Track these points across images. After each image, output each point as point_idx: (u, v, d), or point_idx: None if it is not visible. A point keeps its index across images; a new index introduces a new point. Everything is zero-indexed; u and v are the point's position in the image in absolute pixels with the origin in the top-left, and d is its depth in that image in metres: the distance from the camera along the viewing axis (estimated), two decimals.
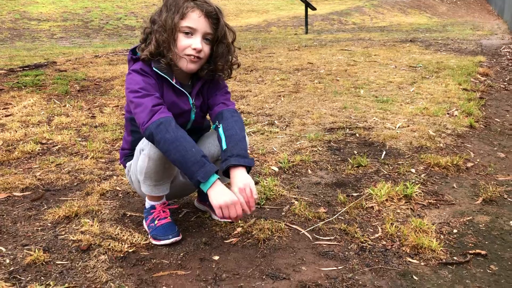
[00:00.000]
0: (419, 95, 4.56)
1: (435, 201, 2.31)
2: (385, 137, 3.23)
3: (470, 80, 5.34)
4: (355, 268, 1.73)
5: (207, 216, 2.15)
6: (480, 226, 2.06)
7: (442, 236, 1.96)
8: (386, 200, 2.28)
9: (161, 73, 1.81)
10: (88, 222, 2.05)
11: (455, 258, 1.80)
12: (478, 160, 2.90)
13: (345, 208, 2.22)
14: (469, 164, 2.81)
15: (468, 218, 2.13)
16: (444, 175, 2.65)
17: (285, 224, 2.06)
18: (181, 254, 1.83)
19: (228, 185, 1.74)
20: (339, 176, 2.63)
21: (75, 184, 2.53)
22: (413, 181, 2.52)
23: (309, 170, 2.72)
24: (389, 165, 2.77)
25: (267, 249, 1.87)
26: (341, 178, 2.60)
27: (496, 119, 3.92)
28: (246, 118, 3.80)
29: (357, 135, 3.33)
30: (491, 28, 12.11)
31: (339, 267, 1.74)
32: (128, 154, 2.05)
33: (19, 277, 1.67)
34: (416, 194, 2.33)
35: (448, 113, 3.89)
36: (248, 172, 1.75)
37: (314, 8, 12.77)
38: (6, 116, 3.92)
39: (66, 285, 1.62)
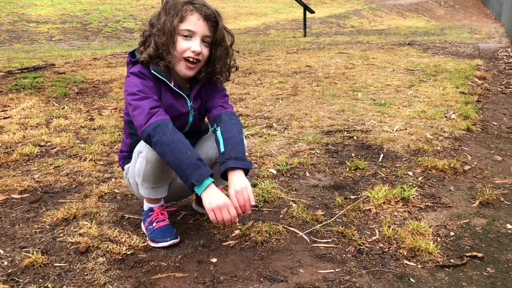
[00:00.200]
0: (417, 98, 4.58)
1: (432, 204, 2.32)
2: (382, 140, 3.25)
3: (468, 83, 5.36)
4: (352, 270, 1.74)
5: (205, 218, 2.15)
6: (477, 228, 2.07)
7: (439, 239, 1.97)
8: (384, 202, 2.29)
9: (159, 76, 1.82)
10: (87, 224, 2.05)
11: (452, 260, 1.81)
12: (475, 163, 2.92)
13: (343, 211, 2.22)
14: (466, 167, 2.82)
15: (465, 221, 2.14)
16: (441, 178, 2.66)
17: (283, 226, 2.06)
18: (179, 257, 1.84)
19: (225, 188, 1.75)
20: (336, 178, 2.64)
21: (73, 186, 2.53)
22: (411, 184, 2.53)
23: (307, 173, 2.73)
24: (387, 168, 2.78)
25: (265, 251, 1.87)
26: (339, 181, 2.61)
27: (493, 122, 3.94)
28: (244, 121, 3.81)
29: (355, 138, 3.34)
30: (488, 32, 12.16)
31: (337, 270, 1.75)
32: (126, 157, 2.05)
33: (17, 279, 1.67)
34: (413, 197, 2.34)
35: (445, 116, 3.91)
36: (246, 175, 1.76)
37: (312, 11, 12.81)
38: (5, 118, 3.93)
39: (64, 287, 1.62)
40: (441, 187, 2.54)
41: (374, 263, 1.79)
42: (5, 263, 1.77)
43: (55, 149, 3.15)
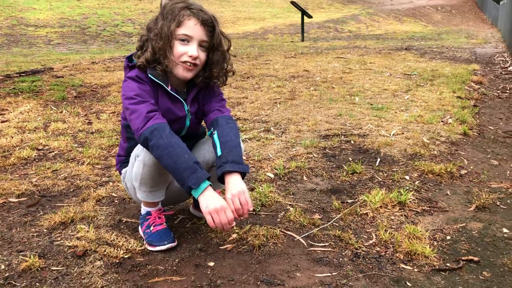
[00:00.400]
0: (414, 103, 4.60)
1: (428, 208, 2.33)
2: (379, 144, 3.26)
3: (464, 88, 5.38)
4: (349, 274, 1.75)
5: (203, 222, 2.15)
6: (473, 233, 2.08)
7: (435, 243, 1.98)
8: (380, 206, 2.30)
9: (156, 80, 1.83)
10: (84, 228, 2.06)
11: (448, 264, 1.82)
12: (471, 167, 2.93)
13: (340, 215, 2.23)
14: (463, 172, 2.83)
15: (461, 225, 2.15)
16: (438, 182, 2.67)
17: (280, 230, 2.07)
18: (177, 260, 1.84)
19: (223, 192, 1.75)
20: (334, 182, 2.65)
21: (71, 190, 2.53)
22: (407, 188, 2.54)
23: (304, 177, 2.73)
24: (384, 172, 2.79)
25: (262, 255, 1.88)
26: (336, 185, 2.62)
27: (489, 127, 3.96)
28: (242, 125, 3.82)
29: (352, 142, 3.35)
30: (485, 37, 12.23)
31: (333, 273, 1.75)
32: (124, 161, 2.06)
33: (14, 283, 1.67)
34: (410, 201, 2.35)
35: (442, 121, 3.92)
36: (243, 178, 1.77)
37: (310, 16, 12.86)
38: (2, 122, 3.93)
39: None
40: (438, 191, 2.55)
41: (370, 267, 1.80)
42: (2, 267, 1.77)
43: (53, 153, 3.15)
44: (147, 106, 1.75)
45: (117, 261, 1.81)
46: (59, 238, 1.99)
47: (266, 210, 2.30)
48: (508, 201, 2.43)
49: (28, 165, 2.92)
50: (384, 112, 4.19)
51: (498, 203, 2.40)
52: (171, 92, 1.87)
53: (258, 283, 1.69)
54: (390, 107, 4.38)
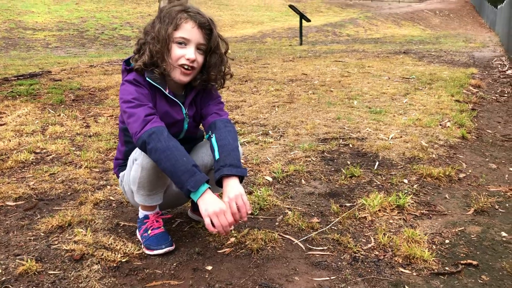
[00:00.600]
0: (412, 106, 4.60)
1: (427, 212, 2.33)
2: (378, 147, 3.26)
3: (463, 91, 5.40)
4: (347, 278, 1.74)
5: (201, 226, 2.15)
6: (472, 236, 2.07)
7: (434, 247, 1.98)
8: (379, 210, 2.29)
9: (154, 83, 1.82)
10: (82, 231, 2.05)
11: (446, 268, 1.81)
12: (470, 171, 2.93)
13: (338, 218, 2.23)
14: (461, 175, 2.83)
15: (460, 229, 2.14)
16: (437, 185, 2.67)
17: (278, 234, 2.06)
18: (174, 264, 1.83)
19: (221, 195, 1.75)
20: (332, 186, 2.65)
21: (68, 193, 2.53)
22: (406, 191, 2.54)
23: (302, 180, 2.73)
24: (382, 175, 2.79)
25: (260, 259, 1.87)
26: (335, 188, 2.61)
27: (488, 130, 3.96)
28: (240, 128, 3.81)
29: (351, 145, 3.35)
30: (483, 41, 12.27)
31: (332, 277, 1.75)
32: (121, 164, 2.05)
33: (11, 287, 1.66)
34: (408, 205, 2.35)
35: (440, 124, 3.93)
36: (241, 182, 1.76)
37: (308, 20, 12.89)
38: (0, 125, 3.92)
39: None
40: (436, 195, 2.55)
41: (369, 270, 1.79)
42: None
43: (51, 156, 3.14)
44: (145, 110, 1.75)
45: (115, 265, 1.80)
46: (56, 242, 1.98)
47: (265, 213, 2.29)
48: (507, 204, 2.43)
49: (26, 168, 2.91)
50: (383, 116, 4.19)
51: (496, 206, 2.40)
52: (169, 95, 1.87)
53: (256, 287, 1.68)
54: (388, 111, 4.39)
